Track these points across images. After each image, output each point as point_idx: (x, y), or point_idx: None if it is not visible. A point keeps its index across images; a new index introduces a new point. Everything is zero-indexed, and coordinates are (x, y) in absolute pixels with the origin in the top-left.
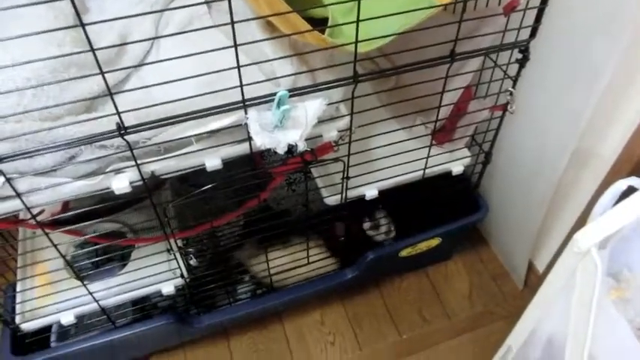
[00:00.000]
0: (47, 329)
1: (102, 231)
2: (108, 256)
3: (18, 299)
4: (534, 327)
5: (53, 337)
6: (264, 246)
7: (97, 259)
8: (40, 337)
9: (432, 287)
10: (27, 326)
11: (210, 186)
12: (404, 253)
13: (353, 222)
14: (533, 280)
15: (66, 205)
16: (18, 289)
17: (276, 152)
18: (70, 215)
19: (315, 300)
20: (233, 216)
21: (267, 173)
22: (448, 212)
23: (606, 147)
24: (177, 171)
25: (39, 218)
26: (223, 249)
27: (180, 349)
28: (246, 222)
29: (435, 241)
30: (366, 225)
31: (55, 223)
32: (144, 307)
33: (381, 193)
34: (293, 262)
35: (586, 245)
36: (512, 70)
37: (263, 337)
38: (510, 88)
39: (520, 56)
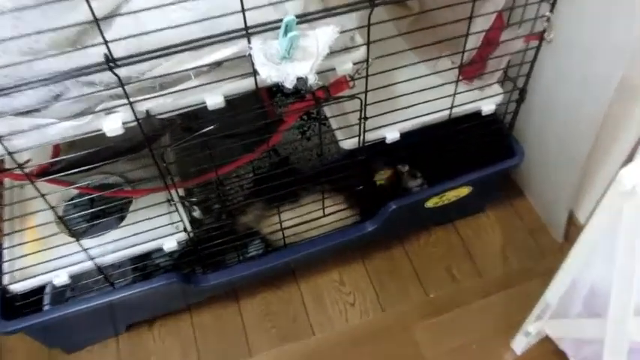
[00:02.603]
0: (40, 291)
1: (95, 182)
2: (102, 208)
3: (5, 257)
4: (574, 278)
5: (46, 300)
6: (276, 205)
7: (90, 210)
8: (33, 300)
9: (462, 243)
10: (16, 287)
11: (212, 127)
12: (430, 203)
13: (373, 169)
14: (574, 234)
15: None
16: (5, 245)
17: (285, 93)
18: (61, 167)
19: (332, 257)
20: (240, 163)
21: (277, 115)
22: (479, 159)
23: None
24: (175, 110)
25: (27, 170)
26: (231, 205)
27: (187, 313)
28: (256, 179)
29: (464, 190)
30: (404, 168)
31: (45, 175)
32: (145, 267)
33: (404, 136)
34: (307, 217)
35: (632, 183)
36: None
37: (277, 297)
38: (547, 13)
39: None
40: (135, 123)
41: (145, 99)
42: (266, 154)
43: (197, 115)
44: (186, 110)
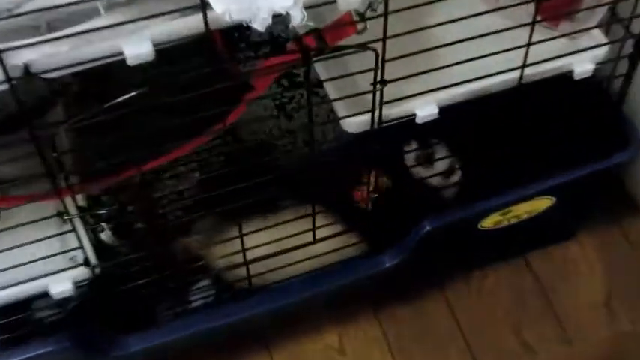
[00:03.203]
0: None
1: None
2: None
3: None
4: None
5: None
6: (237, 223)
7: None
8: None
9: (540, 288)
10: None
11: (134, 94)
12: (488, 223)
13: (393, 166)
14: None
15: None
16: None
17: (254, 42)
18: None
19: (327, 310)
20: (179, 154)
21: (240, 76)
22: (566, 152)
23: None
24: (73, 65)
25: None
26: (163, 222)
27: None
28: (205, 180)
29: (543, 203)
30: (411, 155)
31: None
32: (20, 325)
33: (444, 112)
34: (288, 243)
35: None
36: None
37: None
38: None
39: None
40: (4, 86)
41: (22, 46)
42: (221, 141)
43: (109, 76)
44: (90, 66)
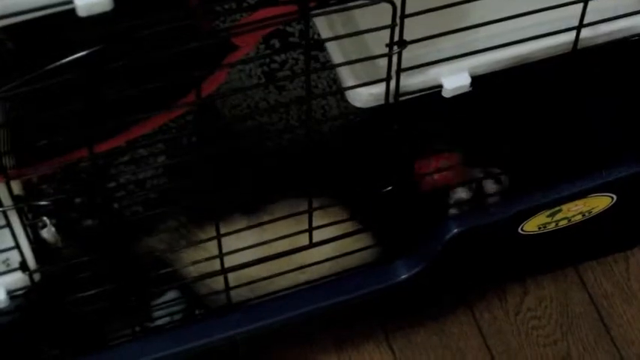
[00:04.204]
0: None
1: None
2: None
3: None
4: None
5: None
6: (213, 222)
7: None
8: None
9: (593, 308)
10: None
11: (84, 53)
12: (531, 225)
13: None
14: None
15: None
16: None
17: None
18: None
19: (327, 332)
20: (140, 132)
21: (218, 33)
22: (633, 140)
23: None
24: (6, 16)
25: None
26: (120, 217)
27: None
28: (173, 166)
29: (601, 202)
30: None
31: None
32: None
33: (478, 83)
34: (277, 247)
35: None
36: None
37: None
38: None
39: None
40: None
41: None
42: (193, 116)
43: (53, 31)
44: (28, 18)
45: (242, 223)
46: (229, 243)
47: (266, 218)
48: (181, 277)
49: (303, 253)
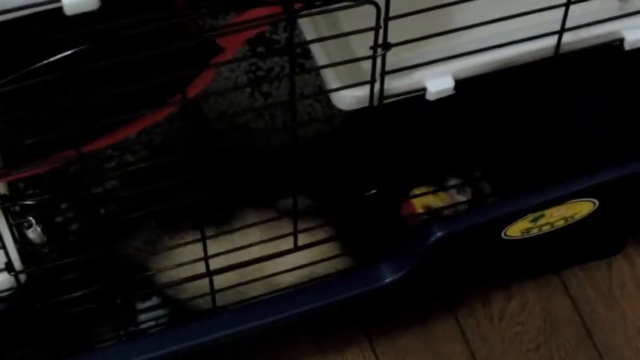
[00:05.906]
0: None
1: None
2: None
3: None
4: None
5: None
6: (198, 225)
7: None
8: None
9: (576, 315)
10: None
11: (70, 52)
12: (514, 231)
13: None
14: None
15: None
16: None
17: None
18: None
19: (309, 336)
20: (123, 134)
21: (203, 34)
22: (615, 144)
23: None
24: None
25: None
26: (105, 218)
27: None
28: (155, 168)
29: (585, 207)
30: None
31: None
32: None
33: (462, 87)
34: (262, 250)
35: None
36: None
37: None
38: None
39: None
40: None
41: None
42: (178, 119)
43: (39, 30)
44: (14, 17)
45: (225, 227)
46: (212, 245)
47: (249, 221)
48: (163, 282)
49: (275, 261)
